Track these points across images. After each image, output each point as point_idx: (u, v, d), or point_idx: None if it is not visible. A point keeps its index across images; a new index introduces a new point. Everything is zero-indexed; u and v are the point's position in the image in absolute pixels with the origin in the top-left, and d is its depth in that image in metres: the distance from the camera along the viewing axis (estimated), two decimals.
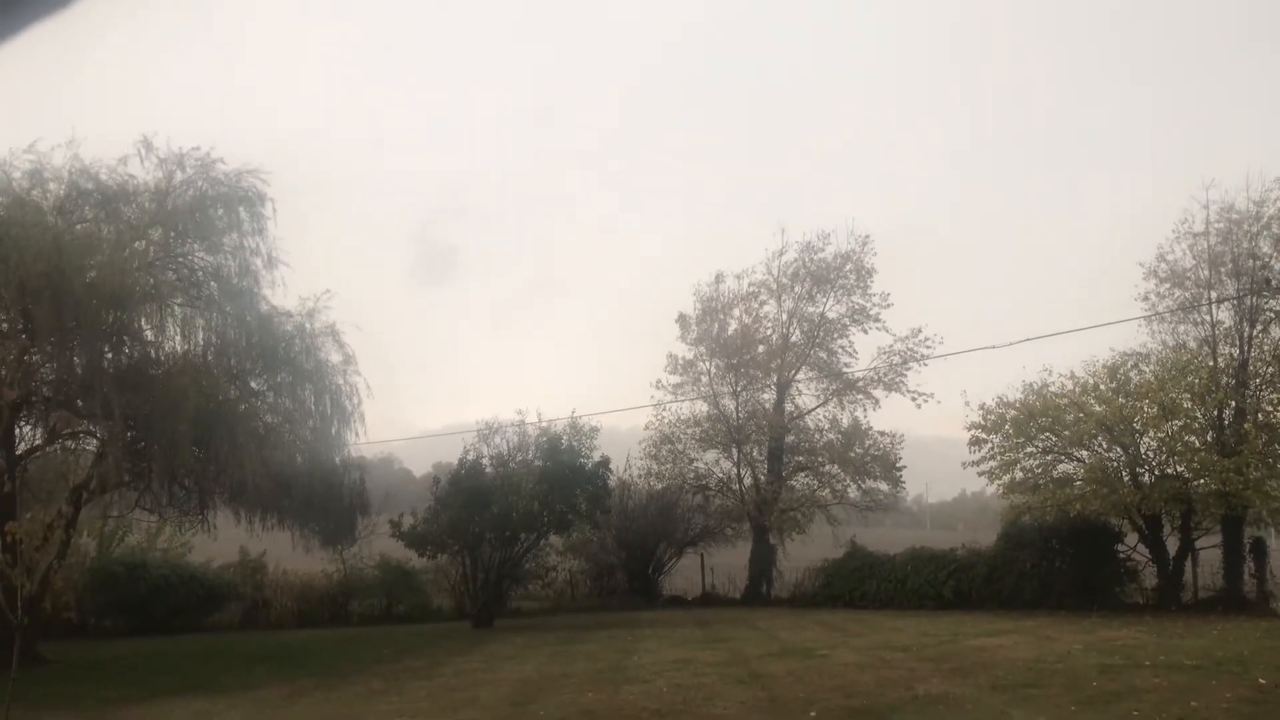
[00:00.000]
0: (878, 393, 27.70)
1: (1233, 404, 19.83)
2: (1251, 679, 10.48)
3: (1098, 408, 19.70)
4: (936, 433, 36.05)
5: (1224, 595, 19.99)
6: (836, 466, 28.04)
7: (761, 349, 28.34)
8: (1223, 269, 20.66)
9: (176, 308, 16.86)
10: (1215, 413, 19.94)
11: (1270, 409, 20.17)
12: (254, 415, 18.44)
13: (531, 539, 22.99)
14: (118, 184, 16.72)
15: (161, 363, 16.91)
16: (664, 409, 28.95)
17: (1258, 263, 20.33)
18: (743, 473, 28.53)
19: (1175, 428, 19.43)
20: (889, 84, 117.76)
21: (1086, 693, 10.06)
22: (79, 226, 16.41)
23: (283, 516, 19.93)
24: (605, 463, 23.46)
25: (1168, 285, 21.33)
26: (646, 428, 29.37)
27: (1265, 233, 20.28)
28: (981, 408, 21.42)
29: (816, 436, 28.70)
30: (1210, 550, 20.87)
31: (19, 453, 17.10)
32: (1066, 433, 20.17)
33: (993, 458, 21.29)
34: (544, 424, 23.27)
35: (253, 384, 19.07)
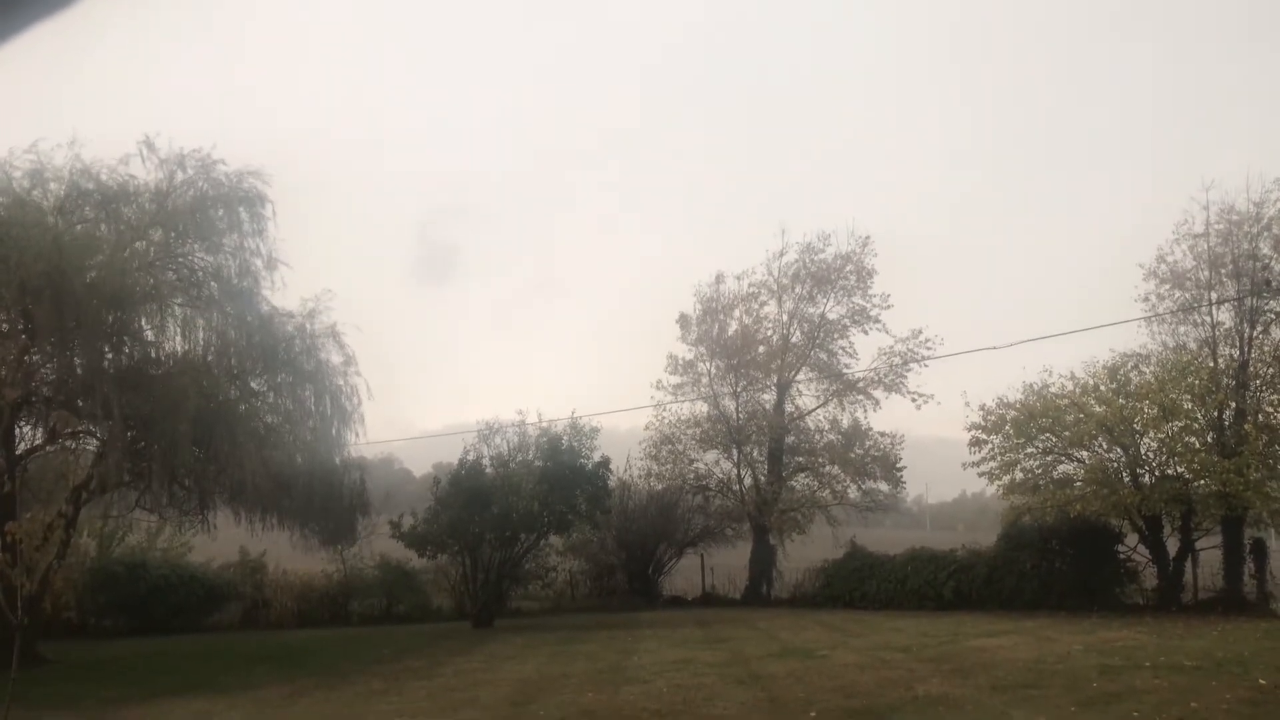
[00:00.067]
0: (878, 393, 27.75)
1: (1233, 405, 19.83)
2: (1251, 680, 10.48)
3: (1098, 408, 19.71)
4: (936, 433, 36.09)
5: (1224, 596, 19.99)
6: (837, 467, 28.04)
7: (762, 349, 28.35)
8: (1223, 270, 20.66)
9: (177, 308, 16.88)
10: (1215, 414, 19.94)
11: (1270, 410, 20.16)
12: (254, 415, 18.44)
13: (531, 539, 23.00)
14: (118, 184, 16.74)
15: (162, 363, 16.92)
16: (664, 409, 29.03)
17: (1258, 264, 20.33)
18: (743, 473, 28.55)
19: (1175, 429, 19.44)
20: (889, 84, 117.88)
21: (1086, 693, 10.06)
22: (79, 226, 16.42)
23: (283, 516, 19.93)
24: (605, 463, 23.47)
25: (1168, 286, 21.33)
26: (647, 428, 29.43)
27: (1265, 234, 20.28)
28: (982, 408, 21.45)
29: (817, 437, 28.71)
30: (1210, 551, 20.86)
31: (19, 453, 17.10)
32: (1067, 433, 20.18)
33: (993, 458, 21.29)
34: (544, 424, 23.33)
35: (253, 384, 19.07)
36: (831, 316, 28.01)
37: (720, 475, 28.94)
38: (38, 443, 17.57)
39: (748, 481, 28.38)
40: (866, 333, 27.76)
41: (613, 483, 24.66)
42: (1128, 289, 21.87)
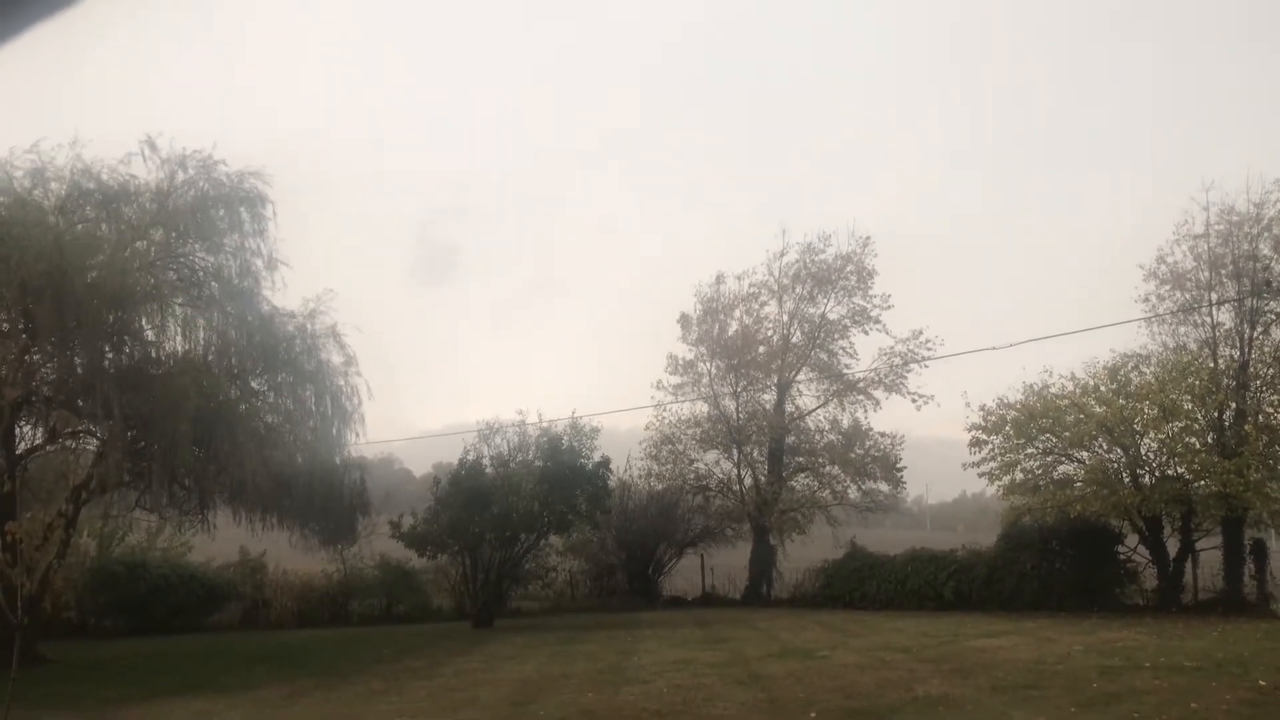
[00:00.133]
0: (878, 394, 27.77)
1: (1233, 406, 19.83)
2: (1252, 680, 10.48)
3: (1098, 409, 19.71)
4: (937, 434, 36.07)
5: (1224, 597, 19.99)
6: (837, 467, 28.06)
7: (762, 350, 28.35)
8: (1223, 271, 20.67)
9: (177, 308, 16.88)
10: (1216, 414, 19.94)
11: (1271, 411, 20.17)
12: (254, 415, 18.44)
13: (531, 539, 23.00)
14: (119, 184, 16.74)
15: (162, 363, 16.92)
16: (664, 409, 29.04)
17: (1258, 265, 20.34)
18: (743, 473, 28.55)
19: (1176, 429, 19.44)
20: (889, 85, 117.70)
21: (1086, 694, 10.06)
22: (80, 226, 16.42)
23: (283, 516, 19.93)
24: (605, 463, 23.47)
25: (1168, 287, 21.34)
26: (647, 428, 29.45)
27: (1266, 234, 20.29)
28: (982, 409, 21.46)
29: (817, 437, 28.72)
30: (1210, 552, 20.86)
31: (19, 452, 17.11)
32: (1067, 434, 20.18)
33: (993, 459, 21.30)
34: (544, 424, 23.33)
35: (253, 384, 19.08)
36: (832, 317, 28.07)
37: (720, 475, 28.96)
38: (38, 442, 17.57)
39: (748, 482, 28.39)
40: (867, 333, 27.84)
41: (613, 483, 24.67)
42: (1128, 289, 21.92)
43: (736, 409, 28.52)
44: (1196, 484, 19.47)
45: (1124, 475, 20.10)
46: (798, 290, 28.07)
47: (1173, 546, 20.85)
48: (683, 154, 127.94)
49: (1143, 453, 20.29)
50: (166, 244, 17.27)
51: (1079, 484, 20.34)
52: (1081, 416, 19.95)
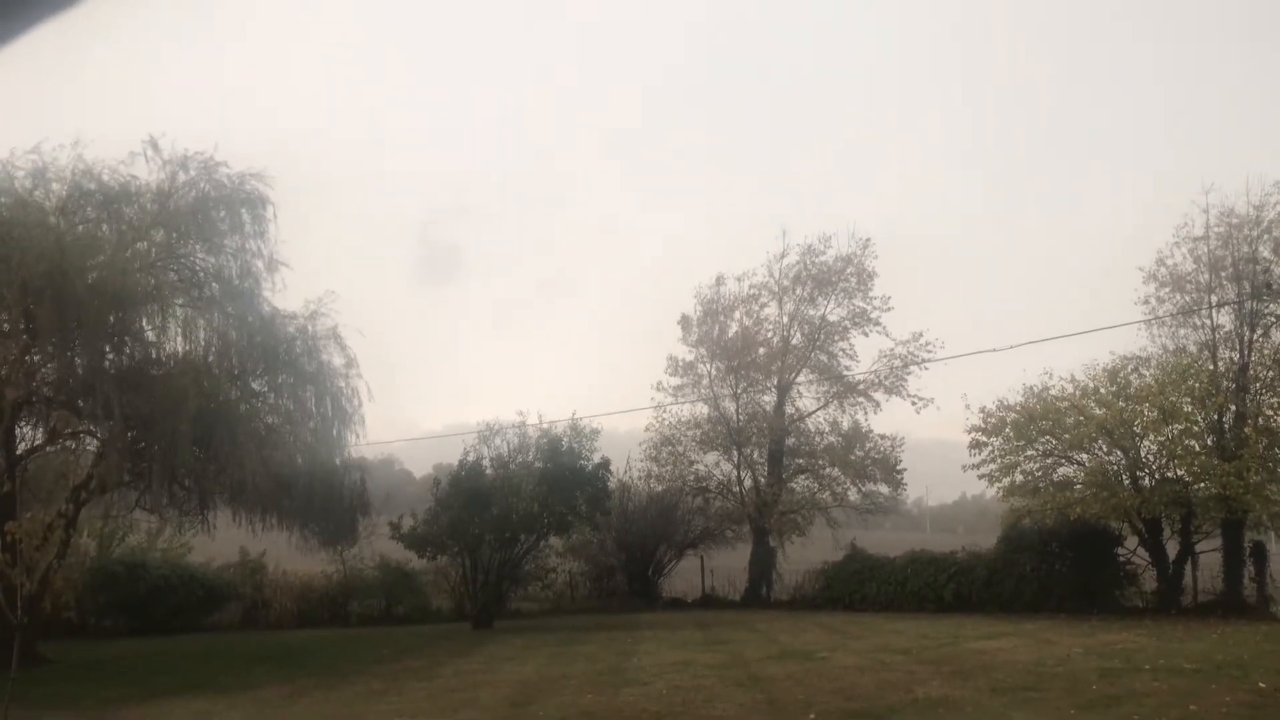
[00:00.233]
0: (878, 396, 27.75)
1: (1233, 408, 19.84)
2: (1251, 683, 10.48)
3: (1098, 411, 19.71)
4: (937, 435, 36.09)
5: (1224, 599, 19.99)
6: (837, 469, 28.03)
7: (762, 351, 28.35)
8: (1223, 273, 20.67)
9: (178, 308, 16.90)
10: (1215, 417, 19.94)
11: (1270, 413, 20.15)
12: (255, 416, 18.45)
13: (531, 540, 22.99)
14: (120, 184, 16.76)
15: (162, 363, 16.93)
16: (664, 411, 29.00)
17: (1258, 267, 20.35)
18: (743, 475, 28.54)
19: (1175, 431, 19.44)
20: (891, 85, 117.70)
21: (1086, 696, 10.07)
22: (81, 227, 16.44)
23: (283, 517, 19.94)
24: (605, 464, 23.47)
25: (1168, 289, 21.34)
26: (647, 429, 29.41)
27: (1265, 237, 20.29)
28: (982, 411, 21.46)
29: (817, 439, 28.71)
30: (1210, 554, 20.85)
31: (19, 453, 17.12)
32: (1067, 436, 20.18)
33: (993, 461, 21.30)
34: (544, 425, 23.33)
35: (254, 385, 19.09)
36: (832, 318, 28.06)
37: (720, 477, 28.94)
38: (38, 443, 17.59)
39: (748, 483, 28.38)
40: (867, 335, 27.82)
41: (613, 484, 24.66)
42: (1128, 292, 21.93)
43: (736, 410, 28.52)
44: (1196, 486, 19.48)
45: (1124, 477, 20.10)
46: (798, 292, 28.08)
47: (1172, 549, 20.85)
48: (683, 154, 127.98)
49: (1143, 455, 20.29)
50: (167, 245, 17.29)
51: (1079, 486, 20.33)
52: (1081, 419, 19.95)
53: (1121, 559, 21.29)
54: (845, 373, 28.23)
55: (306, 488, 19.18)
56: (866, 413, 27.93)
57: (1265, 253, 20.33)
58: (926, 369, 26.77)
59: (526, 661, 15.01)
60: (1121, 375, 20.64)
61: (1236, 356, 20.60)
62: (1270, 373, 20.33)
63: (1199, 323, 21.04)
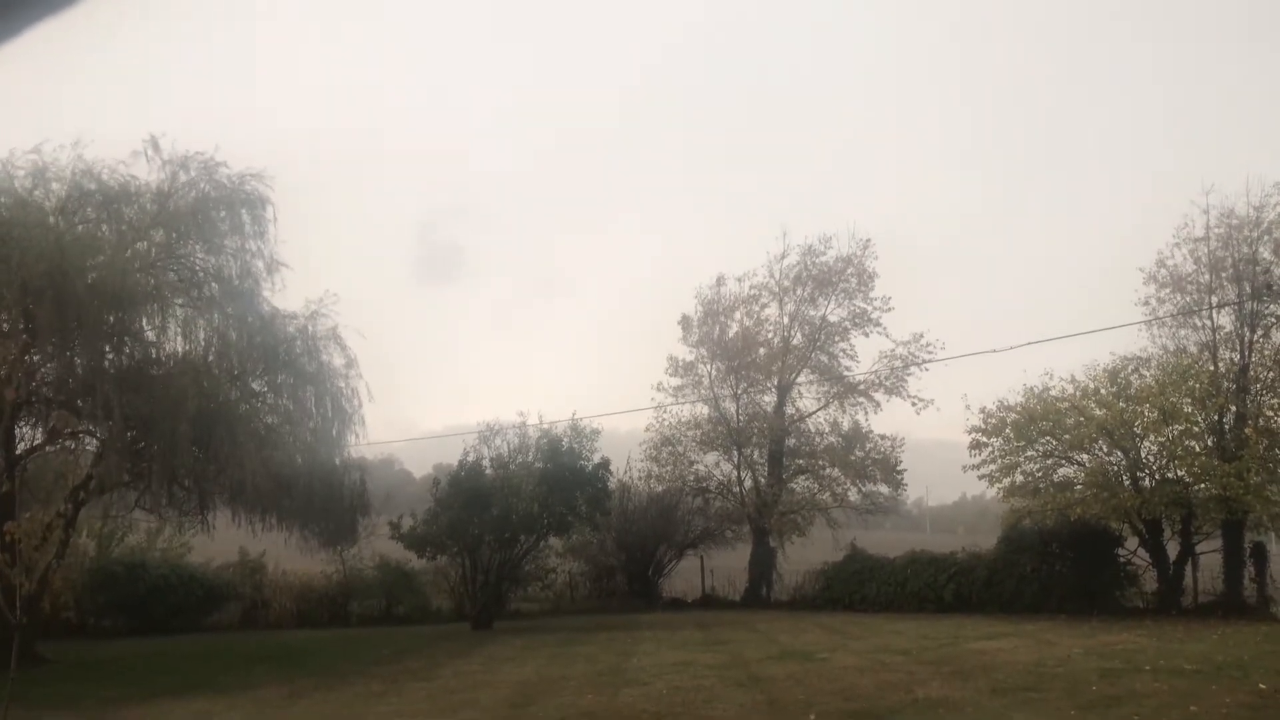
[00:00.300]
0: (878, 396, 27.74)
1: (1233, 409, 19.83)
2: (1251, 684, 10.48)
3: (1098, 412, 19.69)
4: (937, 436, 36.05)
5: (1224, 600, 19.97)
6: (837, 469, 28.02)
7: (762, 352, 28.33)
8: (1223, 274, 20.66)
9: (178, 308, 16.92)
10: (1216, 417, 19.93)
11: (1271, 414, 20.14)
12: (254, 416, 18.46)
13: (531, 541, 22.98)
14: (120, 184, 16.76)
15: (162, 363, 16.94)
16: (664, 411, 29.00)
17: (1258, 268, 20.33)
18: (743, 475, 28.53)
19: (1176, 432, 19.43)
20: (890, 86, 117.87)
21: (1086, 697, 10.06)
22: (81, 227, 16.45)
23: (282, 517, 19.94)
24: (605, 465, 23.45)
25: (1168, 290, 21.32)
26: (647, 429, 29.40)
27: (1265, 238, 20.28)
28: (982, 411, 21.43)
29: (817, 439, 28.69)
30: (1210, 555, 20.84)
31: (19, 452, 17.12)
32: (1067, 436, 20.16)
33: (993, 461, 21.28)
34: (544, 426, 23.29)
35: (254, 385, 19.10)
36: (832, 319, 28.06)
37: (720, 477, 28.93)
38: (38, 442, 17.59)
39: (748, 484, 28.37)
40: (867, 335, 27.81)
41: (613, 484, 24.64)
42: (1128, 292, 21.92)
43: (737, 411, 28.51)
44: (1196, 487, 19.46)
45: (1124, 478, 20.09)
46: (798, 292, 28.07)
47: (1173, 549, 20.83)
48: (683, 154, 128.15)
49: (1143, 456, 20.27)
50: (167, 245, 17.29)
51: (1079, 487, 20.31)
52: (1081, 419, 19.93)
53: (1122, 560, 21.27)
54: (845, 373, 28.24)
55: (306, 488, 19.18)
56: (867, 413, 27.96)
57: (1265, 253, 20.33)
58: (927, 369, 26.82)
59: (526, 662, 15.01)
60: (1122, 376, 20.63)
61: (1237, 357, 20.60)
62: (1271, 373, 20.32)
63: (1199, 323, 21.04)
